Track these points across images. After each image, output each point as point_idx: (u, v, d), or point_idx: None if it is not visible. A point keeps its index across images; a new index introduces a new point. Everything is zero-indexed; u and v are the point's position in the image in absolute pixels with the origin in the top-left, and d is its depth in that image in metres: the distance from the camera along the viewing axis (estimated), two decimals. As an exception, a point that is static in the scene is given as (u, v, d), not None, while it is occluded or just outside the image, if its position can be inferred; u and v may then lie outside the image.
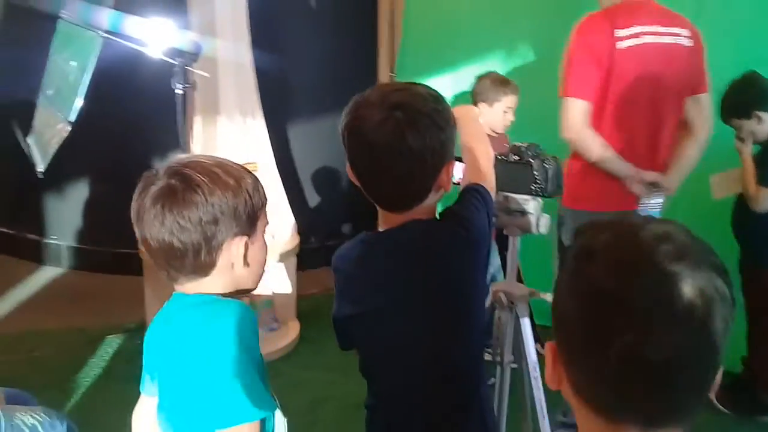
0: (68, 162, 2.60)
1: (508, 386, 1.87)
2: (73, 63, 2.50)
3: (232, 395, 1.09)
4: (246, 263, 1.19)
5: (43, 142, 2.44)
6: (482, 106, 2.98)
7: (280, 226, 3.49)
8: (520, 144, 1.78)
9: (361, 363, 1.38)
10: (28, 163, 2.57)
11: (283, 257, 3.37)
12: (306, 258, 3.57)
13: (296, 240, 3.47)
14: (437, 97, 1.26)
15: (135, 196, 1.16)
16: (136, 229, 1.16)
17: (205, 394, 1.09)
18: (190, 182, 1.12)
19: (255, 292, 3.31)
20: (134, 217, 1.15)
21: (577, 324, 0.76)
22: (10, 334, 3.39)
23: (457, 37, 3.56)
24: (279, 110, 3.65)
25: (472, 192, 1.33)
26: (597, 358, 0.74)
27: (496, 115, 2.96)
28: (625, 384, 0.73)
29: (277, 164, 3.42)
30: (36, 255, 4.22)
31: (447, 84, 3.61)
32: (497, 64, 3.29)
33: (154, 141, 3.04)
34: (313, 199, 4.16)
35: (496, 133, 3.03)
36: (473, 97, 3.04)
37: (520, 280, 1.92)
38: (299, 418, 2.84)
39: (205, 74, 2.33)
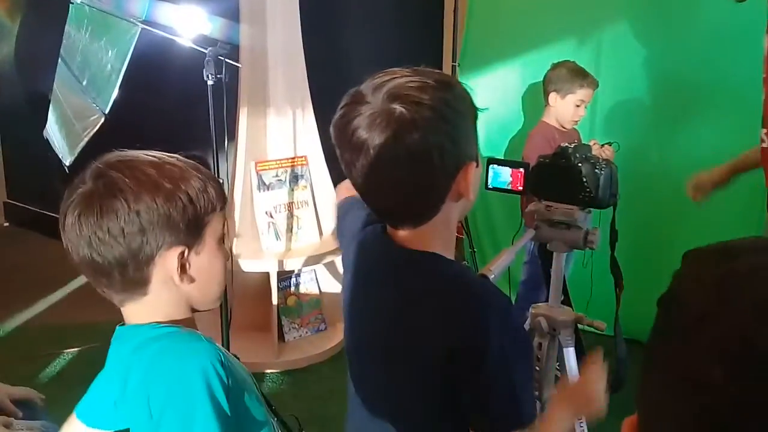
0: (100, 154, 2.53)
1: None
2: (111, 53, 2.42)
3: None
4: (188, 278, 1.03)
5: (74, 133, 2.37)
6: (553, 96, 2.75)
7: (329, 222, 3.36)
8: (568, 145, 1.54)
9: None
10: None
11: (332, 255, 3.23)
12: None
13: (345, 238, 3.32)
14: (449, 84, 0.99)
15: (63, 199, 1.01)
16: (63, 241, 1.02)
17: None
18: (112, 187, 0.96)
19: (302, 291, 3.32)
20: (60, 225, 1.01)
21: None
22: (60, 326, 3.40)
23: (524, 25, 3.35)
24: (330, 102, 3.48)
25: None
26: None
27: (567, 108, 2.74)
28: None
29: (326, 159, 3.27)
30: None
31: (513, 74, 3.41)
32: (566, 51, 3.03)
33: (189, 133, 2.96)
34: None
35: (565, 128, 2.79)
36: (545, 85, 2.81)
37: (567, 303, 1.68)
38: (335, 426, 2.73)
39: (238, 64, 2.18)
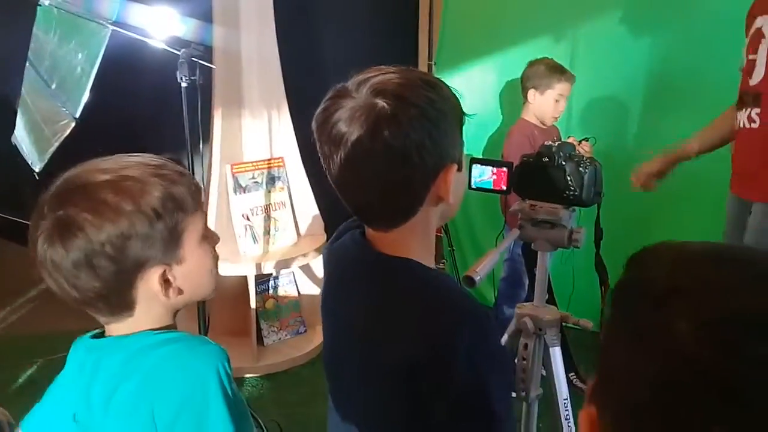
0: (70, 159, 2.47)
1: (535, 425, 1.63)
2: (80, 56, 2.36)
3: None
4: (176, 291, 0.99)
5: (43, 138, 2.31)
6: (532, 93, 2.76)
7: (307, 223, 3.33)
8: (551, 143, 1.53)
9: None
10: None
11: (310, 256, 3.20)
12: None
13: (323, 238, 3.29)
14: (435, 85, 0.97)
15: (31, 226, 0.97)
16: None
17: None
18: (71, 226, 0.92)
19: (281, 294, 3.27)
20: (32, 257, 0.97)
21: (639, 400, 0.52)
22: (28, 337, 3.32)
23: (500, 22, 3.36)
24: (306, 104, 3.45)
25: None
26: None
27: (546, 103, 2.75)
28: None
29: (303, 160, 3.24)
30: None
31: (489, 72, 3.40)
32: (542, 50, 3.03)
33: (163, 137, 2.90)
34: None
35: (545, 125, 2.80)
36: (523, 82, 2.83)
37: (551, 302, 1.67)
38: (317, 431, 2.70)
39: (212, 65, 2.14)
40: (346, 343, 1.06)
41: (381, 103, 0.91)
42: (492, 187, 1.35)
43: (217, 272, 1.08)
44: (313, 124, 0.98)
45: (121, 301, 0.97)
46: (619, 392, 0.55)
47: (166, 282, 0.98)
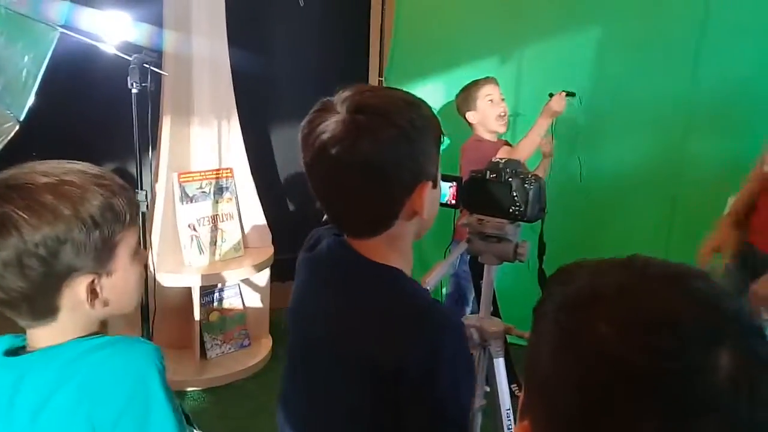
0: (13, 162, 2.41)
1: (477, 434, 1.66)
2: (27, 58, 2.30)
3: None
4: (102, 302, 0.99)
5: (-14, 142, 2.24)
6: (470, 115, 2.83)
7: (255, 235, 3.31)
8: (498, 159, 1.58)
9: None
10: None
11: (257, 269, 3.18)
12: (281, 270, 3.37)
13: (270, 251, 3.28)
14: (416, 105, 1.02)
15: None
16: None
17: None
18: (6, 222, 0.90)
19: (226, 306, 3.24)
20: None
21: (569, 405, 0.55)
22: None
23: (449, 41, 3.43)
24: (256, 113, 3.45)
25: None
26: None
27: (484, 111, 2.83)
28: None
29: (252, 171, 3.23)
30: None
31: (439, 90, 3.46)
32: (489, 70, 3.11)
33: (110, 142, 2.85)
34: (289, 207, 3.96)
35: (497, 131, 2.85)
36: (460, 112, 2.91)
37: (496, 314, 1.71)
38: (261, 447, 2.68)
39: (164, 72, 2.12)
40: (323, 346, 1.07)
41: (363, 119, 0.96)
42: (446, 201, 1.39)
43: (141, 290, 1.08)
44: (300, 134, 1.02)
45: (45, 306, 0.95)
46: (551, 401, 0.58)
47: (92, 292, 0.97)
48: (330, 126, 0.97)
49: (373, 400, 0.99)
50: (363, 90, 1.01)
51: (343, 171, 0.98)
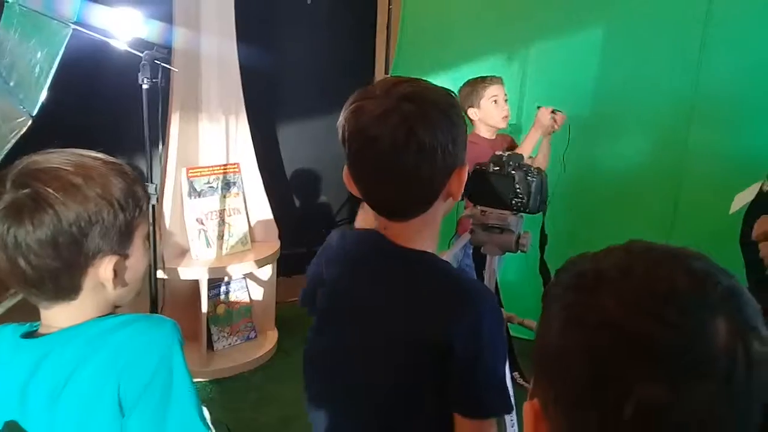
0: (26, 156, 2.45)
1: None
2: (40, 54, 2.35)
3: (193, 419, 1.00)
4: (121, 283, 1.03)
5: (0, 135, 2.29)
6: (471, 111, 2.85)
7: (261, 230, 3.36)
8: (501, 153, 1.62)
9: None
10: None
11: (263, 262, 3.23)
12: (287, 264, 3.41)
13: (277, 245, 3.32)
14: (450, 93, 1.10)
15: None
16: None
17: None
18: (40, 199, 0.93)
19: (232, 299, 3.28)
20: None
21: (578, 373, 0.60)
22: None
23: (455, 38, 3.46)
24: (264, 110, 3.50)
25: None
26: (605, 418, 0.58)
27: (488, 110, 2.84)
28: None
29: (259, 166, 3.27)
30: None
31: (444, 86, 3.48)
32: (495, 66, 3.16)
33: (120, 138, 2.90)
34: (295, 202, 4.01)
35: (499, 126, 2.87)
36: (461, 106, 2.90)
37: (498, 303, 1.75)
38: (265, 435, 2.73)
39: (174, 68, 2.16)
40: (365, 326, 1.13)
41: (412, 107, 1.02)
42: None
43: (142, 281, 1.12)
44: (343, 123, 1.07)
45: (69, 285, 0.98)
46: (560, 375, 0.62)
47: (115, 273, 1.01)
48: (379, 115, 1.02)
49: (421, 376, 1.07)
50: (399, 80, 1.07)
51: (397, 159, 1.02)
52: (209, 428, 1.03)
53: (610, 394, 0.57)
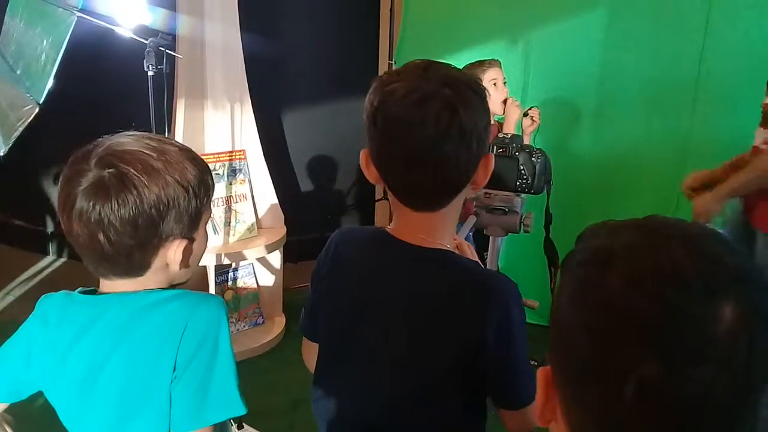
0: (34, 145, 2.47)
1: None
2: (46, 42, 2.36)
3: (233, 389, 1.04)
4: (185, 264, 1.08)
5: (8, 123, 2.31)
6: None
7: (268, 216, 3.37)
8: (504, 135, 1.63)
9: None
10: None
11: (270, 249, 3.25)
12: (293, 250, 3.44)
13: (283, 231, 3.34)
14: (478, 80, 1.09)
15: (62, 181, 1.01)
16: (62, 219, 1.02)
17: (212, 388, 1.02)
18: (125, 179, 0.98)
19: (240, 285, 3.30)
20: (61, 206, 1.01)
21: (581, 347, 0.61)
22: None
23: (458, 25, 3.46)
24: (269, 97, 3.51)
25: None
26: (606, 394, 0.59)
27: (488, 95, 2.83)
28: (640, 426, 0.58)
29: (264, 153, 3.29)
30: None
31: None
32: (498, 52, 3.15)
33: (126, 125, 2.90)
34: (301, 189, 4.03)
35: (497, 113, 2.88)
36: None
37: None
38: (279, 419, 2.75)
39: (178, 55, 2.18)
40: (388, 327, 1.12)
41: (450, 91, 0.99)
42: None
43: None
44: (372, 112, 1.03)
45: (140, 263, 1.03)
46: (567, 343, 0.63)
47: (182, 254, 1.05)
48: (417, 100, 0.99)
49: (455, 370, 1.08)
50: (429, 64, 1.04)
51: (438, 141, 0.99)
52: (246, 404, 1.06)
53: (611, 371, 0.58)
